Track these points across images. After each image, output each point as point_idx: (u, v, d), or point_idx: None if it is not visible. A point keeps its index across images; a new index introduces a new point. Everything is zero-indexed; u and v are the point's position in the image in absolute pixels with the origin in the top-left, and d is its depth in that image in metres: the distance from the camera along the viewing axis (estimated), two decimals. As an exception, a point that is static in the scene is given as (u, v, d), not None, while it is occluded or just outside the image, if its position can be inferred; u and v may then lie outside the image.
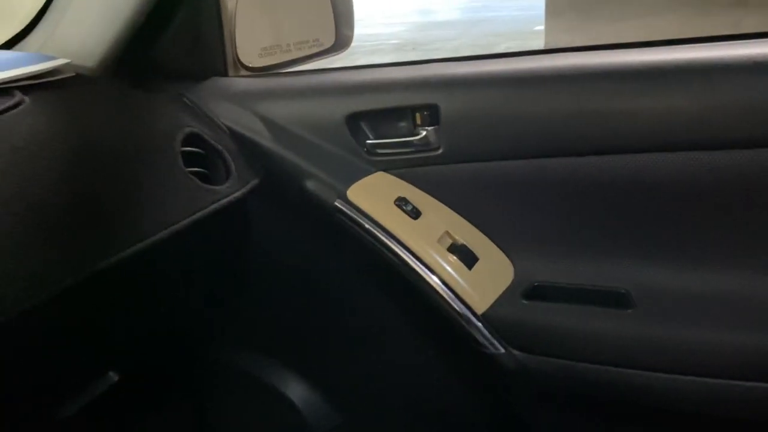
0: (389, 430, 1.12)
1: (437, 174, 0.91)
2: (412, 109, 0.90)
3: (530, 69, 0.87)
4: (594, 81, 0.82)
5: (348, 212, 0.90)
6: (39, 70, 0.83)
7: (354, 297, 1.03)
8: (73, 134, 0.82)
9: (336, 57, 1.17)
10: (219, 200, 0.83)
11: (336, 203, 0.90)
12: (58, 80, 0.84)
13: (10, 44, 0.98)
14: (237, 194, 0.87)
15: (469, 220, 0.92)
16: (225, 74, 1.00)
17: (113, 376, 0.97)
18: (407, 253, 0.89)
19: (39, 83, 0.82)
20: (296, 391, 1.13)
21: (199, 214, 0.80)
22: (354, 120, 0.91)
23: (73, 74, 0.86)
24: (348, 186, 0.91)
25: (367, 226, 0.89)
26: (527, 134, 0.85)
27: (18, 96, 0.78)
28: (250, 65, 1.03)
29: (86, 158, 0.82)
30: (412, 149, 0.91)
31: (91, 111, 0.85)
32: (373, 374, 1.09)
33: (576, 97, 0.82)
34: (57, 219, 0.74)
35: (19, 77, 0.81)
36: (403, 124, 0.91)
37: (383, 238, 0.89)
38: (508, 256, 0.92)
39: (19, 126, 0.76)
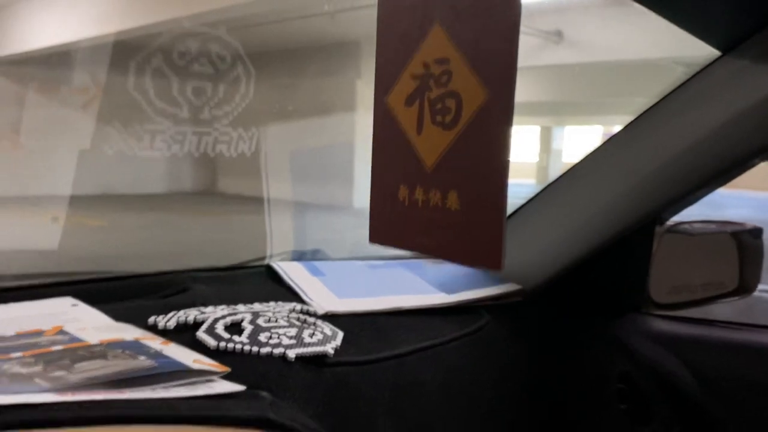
0: None
1: None
2: None
3: None
4: None
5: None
6: (500, 294, 0.95)
7: None
8: (523, 361, 0.91)
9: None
10: None
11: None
12: (510, 304, 0.95)
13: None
14: None
15: None
16: (638, 310, 1.04)
17: None
18: None
19: (496, 304, 0.94)
20: None
21: None
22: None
23: (520, 298, 0.97)
24: None
25: None
26: None
27: (486, 317, 0.90)
28: (659, 302, 1.07)
29: (533, 384, 0.90)
30: None
31: (537, 338, 0.94)
32: None
33: None
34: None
35: (485, 298, 0.94)
36: None
37: None
38: None
39: (482, 345, 0.87)
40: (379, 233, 0.34)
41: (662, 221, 1.01)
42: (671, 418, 0.90)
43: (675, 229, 1.05)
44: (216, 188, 12.10)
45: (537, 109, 13.77)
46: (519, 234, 1.07)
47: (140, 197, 10.59)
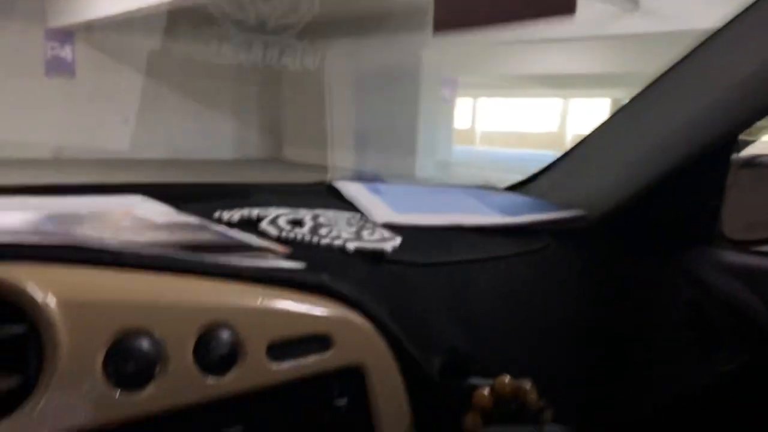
0: None
1: None
2: None
3: None
4: None
5: None
6: (563, 218, 0.93)
7: None
8: (586, 284, 0.89)
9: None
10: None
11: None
12: (573, 230, 0.93)
13: (513, 188, 1.12)
14: (726, 369, 0.85)
15: None
16: (709, 244, 1.00)
17: None
18: None
19: (559, 230, 0.92)
20: None
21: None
22: None
23: (585, 224, 0.95)
24: None
25: None
26: None
27: (547, 240, 0.88)
28: (733, 238, 1.03)
29: (593, 306, 0.89)
30: None
31: (598, 264, 0.92)
32: None
33: None
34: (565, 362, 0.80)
35: (547, 221, 0.92)
36: None
37: None
38: None
39: (543, 265, 0.86)
40: (444, 21, 0.34)
41: (739, 150, 0.96)
42: (740, 347, 0.87)
43: (752, 162, 1.00)
44: (282, 155, 12.28)
45: (609, 81, 13.33)
46: (585, 160, 1.04)
47: (209, 162, 10.86)
